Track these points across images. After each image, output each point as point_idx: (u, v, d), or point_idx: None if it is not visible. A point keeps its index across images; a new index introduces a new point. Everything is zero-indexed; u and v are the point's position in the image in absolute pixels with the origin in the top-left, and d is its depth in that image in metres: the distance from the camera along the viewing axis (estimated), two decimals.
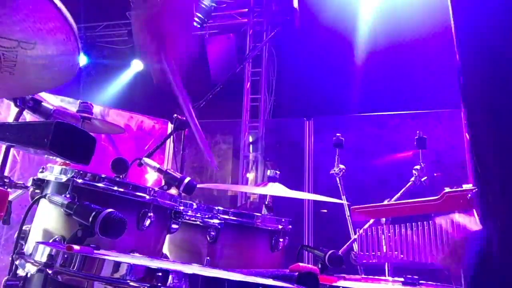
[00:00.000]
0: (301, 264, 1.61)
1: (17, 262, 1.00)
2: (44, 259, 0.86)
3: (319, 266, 1.91)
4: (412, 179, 3.28)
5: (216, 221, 1.92)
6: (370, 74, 5.38)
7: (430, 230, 2.86)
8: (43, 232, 1.54)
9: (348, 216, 3.45)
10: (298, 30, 2.87)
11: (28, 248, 1.52)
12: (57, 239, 1.48)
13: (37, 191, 1.62)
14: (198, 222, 1.93)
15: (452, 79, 1.06)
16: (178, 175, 1.89)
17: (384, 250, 2.98)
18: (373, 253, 3.02)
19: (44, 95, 1.87)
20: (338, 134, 3.58)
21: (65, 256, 0.85)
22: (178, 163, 2.71)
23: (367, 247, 3.05)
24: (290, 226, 2.15)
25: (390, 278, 2.31)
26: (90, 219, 1.25)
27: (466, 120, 0.80)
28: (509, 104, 0.72)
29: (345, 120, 5.20)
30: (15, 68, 0.92)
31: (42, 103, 1.82)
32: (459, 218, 2.80)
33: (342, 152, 3.68)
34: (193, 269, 1.07)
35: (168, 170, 1.90)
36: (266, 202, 2.35)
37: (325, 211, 4.89)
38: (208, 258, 1.90)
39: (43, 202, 1.58)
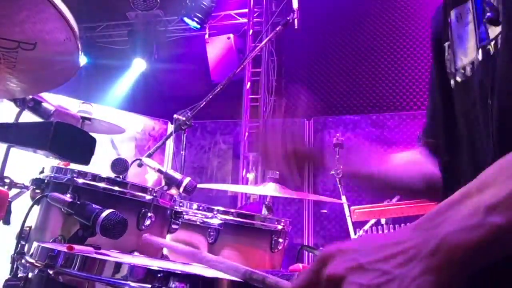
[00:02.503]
0: (301, 264, 1.61)
1: (17, 263, 1.00)
2: (44, 259, 0.86)
3: None
4: None
5: (216, 221, 1.92)
6: (370, 73, 5.38)
7: None
8: (44, 232, 1.54)
9: (348, 216, 3.45)
10: (298, 30, 2.87)
11: (28, 248, 1.52)
12: (57, 239, 1.48)
13: (37, 191, 1.62)
14: (198, 223, 1.93)
15: None
16: (178, 175, 1.89)
17: None
18: None
19: (44, 95, 1.87)
20: (337, 135, 3.58)
21: (66, 256, 0.85)
22: (178, 163, 2.71)
23: None
24: (290, 227, 2.15)
25: None
26: (91, 219, 1.25)
27: None
28: None
29: (345, 120, 5.21)
30: (15, 69, 0.92)
31: (42, 103, 1.82)
32: None
33: (343, 152, 3.67)
34: (194, 269, 1.07)
35: (168, 171, 1.90)
36: (266, 203, 2.35)
37: (325, 211, 4.89)
38: None
39: (43, 202, 1.58)
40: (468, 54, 0.83)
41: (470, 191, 0.51)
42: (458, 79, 0.86)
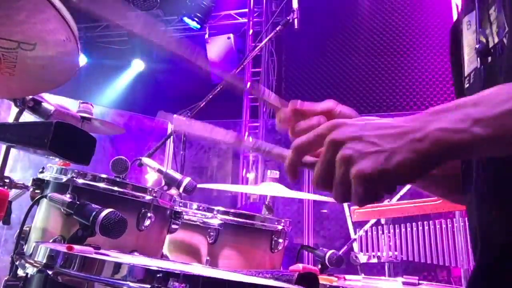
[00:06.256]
0: (301, 264, 1.61)
1: (17, 263, 1.00)
2: (44, 259, 0.86)
3: (319, 266, 1.91)
4: None
5: (216, 221, 1.92)
6: (370, 74, 5.38)
7: (430, 230, 2.86)
8: (43, 232, 1.54)
9: (348, 216, 3.45)
10: (298, 30, 2.88)
11: (28, 248, 1.52)
12: (57, 239, 1.48)
13: (37, 191, 1.62)
14: (198, 223, 1.94)
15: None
16: (178, 175, 1.89)
17: (384, 250, 2.98)
18: (373, 253, 3.02)
19: (44, 95, 1.87)
20: None
21: (65, 256, 0.85)
22: (178, 163, 2.72)
23: (367, 247, 3.05)
24: (290, 227, 2.15)
25: (390, 278, 2.31)
26: (91, 219, 1.26)
27: None
28: None
29: None
30: (15, 69, 0.92)
31: (42, 103, 1.82)
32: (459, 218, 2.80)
33: None
34: (194, 269, 1.07)
35: (168, 171, 1.90)
36: (266, 203, 2.35)
37: (325, 211, 4.89)
38: (208, 258, 1.90)
39: (43, 202, 1.58)
40: (472, 62, 0.85)
41: (465, 103, 0.59)
42: (466, 85, 0.88)
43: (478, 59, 0.80)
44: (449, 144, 0.57)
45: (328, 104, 1.00)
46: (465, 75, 0.88)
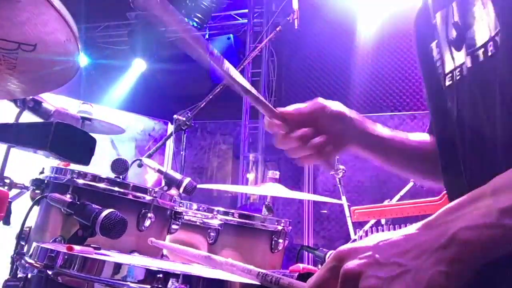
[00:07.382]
0: (301, 265, 1.61)
1: (17, 263, 1.00)
2: (44, 260, 0.86)
3: (319, 266, 1.91)
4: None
5: (216, 221, 1.92)
6: (370, 74, 5.39)
7: None
8: (43, 232, 1.55)
9: (348, 216, 3.45)
10: (298, 30, 2.89)
11: (28, 248, 1.52)
12: (57, 240, 1.48)
13: (37, 191, 1.62)
14: (198, 223, 1.94)
15: None
16: (178, 175, 1.89)
17: None
18: None
19: (44, 95, 1.87)
20: None
21: (65, 257, 0.85)
22: (178, 163, 2.72)
23: None
24: (290, 227, 2.15)
25: None
26: (91, 219, 1.26)
27: None
28: None
29: None
30: (16, 69, 0.93)
31: (43, 103, 1.82)
32: None
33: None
34: (194, 269, 1.07)
35: (168, 171, 1.90)
36: (266, 203, 2.35)
37: (325, 211, 4.89)
38: None
39: (43, 203, 1.58)
40: (455, 59, 0.81)
41: (483, 194, 0.53)
42: (447, 82, 0.85)
43: (469, 57, 0.77)
44: (480, 244, 0.49)
45: (315, 104, 1.01)
46: (446, 72, 0.85)
